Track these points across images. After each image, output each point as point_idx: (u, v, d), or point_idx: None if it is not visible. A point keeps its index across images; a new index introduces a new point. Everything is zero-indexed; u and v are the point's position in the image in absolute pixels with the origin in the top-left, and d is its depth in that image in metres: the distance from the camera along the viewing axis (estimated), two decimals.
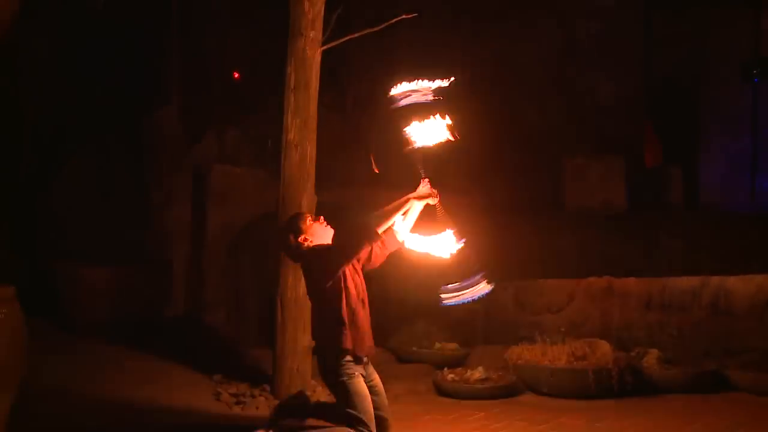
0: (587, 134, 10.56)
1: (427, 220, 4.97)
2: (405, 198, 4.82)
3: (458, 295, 4.89)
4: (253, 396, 6.16)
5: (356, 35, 6.48)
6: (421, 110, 4.84)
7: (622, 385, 6.33)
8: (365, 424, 4.67)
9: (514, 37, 10.75)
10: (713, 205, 10.50)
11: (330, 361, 4.81)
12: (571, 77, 10.73)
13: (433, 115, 4.83)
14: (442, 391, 6.53)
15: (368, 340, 4.94)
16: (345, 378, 4.73)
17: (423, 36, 9.61)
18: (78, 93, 9.25)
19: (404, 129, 4.81)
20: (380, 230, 4.79)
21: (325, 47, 6.38)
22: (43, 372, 5.99)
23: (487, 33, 10.64)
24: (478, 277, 4.86)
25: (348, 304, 4.80)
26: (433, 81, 4.84)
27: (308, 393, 5.83)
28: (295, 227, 4.98)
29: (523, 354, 6.74)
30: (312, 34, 6.28)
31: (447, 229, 4.89)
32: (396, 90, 4.84)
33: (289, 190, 6.25)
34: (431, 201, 4.91)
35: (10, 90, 8.68)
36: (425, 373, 6.98)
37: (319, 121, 6.42)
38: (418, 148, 4.82)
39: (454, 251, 4.87)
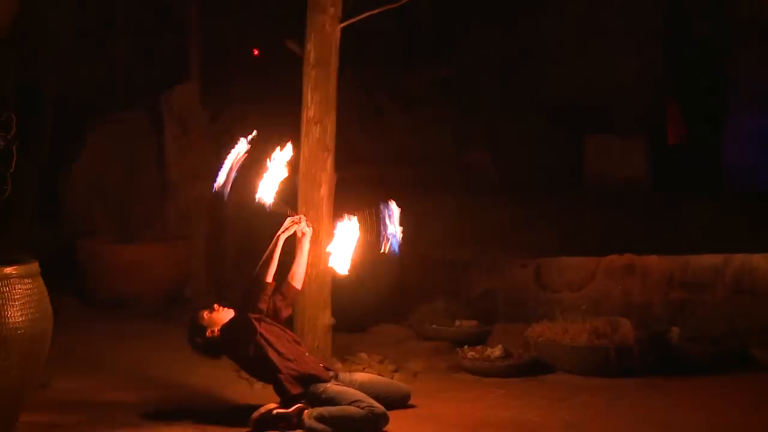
0: (609, 110, 10.46)
1: None
2: (275, 238, 5.07)
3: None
4: None
5: (376, 11, 6.42)
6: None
7: (643, 363, 6.28)
8: (362, 401, 4.81)
9: (533, 11, 10.64)
10: (738, 183, 10.36)
11: (300, 403, 4.92)
12: (593, 52, 10.61)
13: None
14: (462, 368, 6.52)
15: (317, 363, 5.19)
16: (322, 395, 4.89)
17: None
18: (99, 69, 9.26)
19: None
20: (268, 277, 5.00)
21: (345, 23, 6.32)
22: (65, 346, 6.03)
23: (507, 7, 10.55)
24: None
25: (278, 353, 4.95)
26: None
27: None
28: (197, 329, 5.12)
29: (544, 332, 6.70)
30: (332, 9, 6.22)
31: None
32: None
33: (309, 167, 6.22)
34: (303, 229, 5.24)
35: (30, 67, 8.70)
36: (445, 351, 6.97)
37: (339, 98, 6.38)
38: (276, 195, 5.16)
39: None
